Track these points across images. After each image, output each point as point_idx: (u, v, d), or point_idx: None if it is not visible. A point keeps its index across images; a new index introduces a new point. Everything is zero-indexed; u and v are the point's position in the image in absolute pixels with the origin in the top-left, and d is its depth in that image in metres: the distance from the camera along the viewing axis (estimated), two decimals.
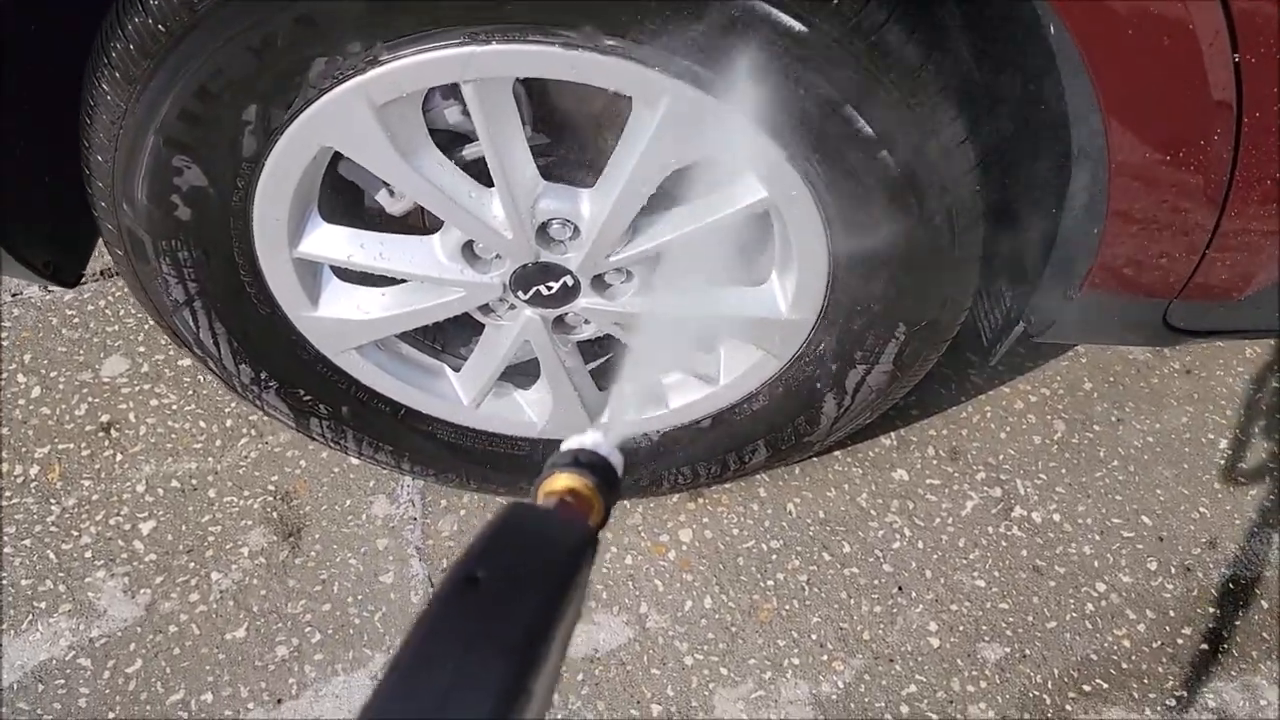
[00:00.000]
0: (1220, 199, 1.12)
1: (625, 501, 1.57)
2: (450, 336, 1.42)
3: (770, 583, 1.50)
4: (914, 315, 1.21)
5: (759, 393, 1.35)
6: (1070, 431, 1.66)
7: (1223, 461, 1.63)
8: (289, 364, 1.28)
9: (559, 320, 1.27)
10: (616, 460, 0.55)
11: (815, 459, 1.61)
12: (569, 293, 1.20)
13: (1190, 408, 1.69)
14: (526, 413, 1.42)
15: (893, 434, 1.65)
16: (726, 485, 1.58)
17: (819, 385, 1.31)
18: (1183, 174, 1.05)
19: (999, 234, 1.16)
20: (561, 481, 0.54)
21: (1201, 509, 1.58)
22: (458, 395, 1.38)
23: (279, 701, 1.37)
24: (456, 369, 1.38)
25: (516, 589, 0.41)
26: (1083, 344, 1.75)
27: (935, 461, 1.62)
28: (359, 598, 1.46)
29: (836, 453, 1.63)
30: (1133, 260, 1.17)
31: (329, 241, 1.15)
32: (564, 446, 0.56)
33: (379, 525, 1.53)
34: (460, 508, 1.55)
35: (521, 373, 1.42)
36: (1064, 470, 1.62)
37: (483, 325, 1.30)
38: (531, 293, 1.20)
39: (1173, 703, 1.39)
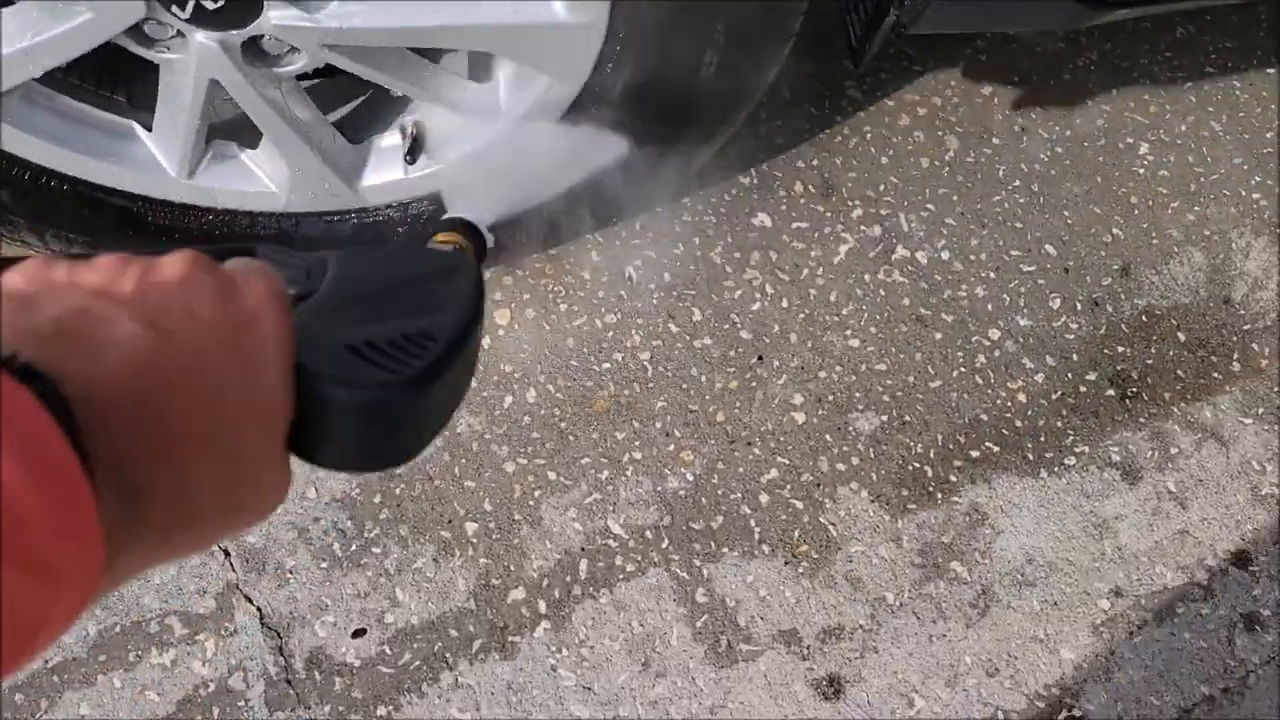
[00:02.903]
0: None
1: None
2: (136, 85, 1.05)
3: (606, 366, 1.24)
4: (734, 10, 0.87)
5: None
6: (965, 149, 1.37)
7: (1142, 170, 1.37)
8: None
9: (254, 48, 0.91)
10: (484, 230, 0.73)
11: (660, 210, 1.31)
12: (247, 4, 0.84)
13: (1107, 107, 1.41)
14: (262, 180, 1.08)
15: (752, 171, 1.35)
16: (550, 253, 1.29)
17: (625, 116, 0.99)
18: None
19: None
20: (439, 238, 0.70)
21: (1115, 230, 1.33)
22: (160, 163, 1.04)
23: None
24: (150, 128, 1.03)
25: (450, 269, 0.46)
26: (975, 32, 1.42)
27: (803, 200, 1.34)
28: None
29: (685, 199, 1.33)
30: None
31: None
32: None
33: None
34: None
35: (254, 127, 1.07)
36: (955, 197, 1.34)
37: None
38: (190, 7, 0.83)
39: (1072, 461, 1.20)
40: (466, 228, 0.72)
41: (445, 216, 0.74)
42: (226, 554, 1.13)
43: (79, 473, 0.27)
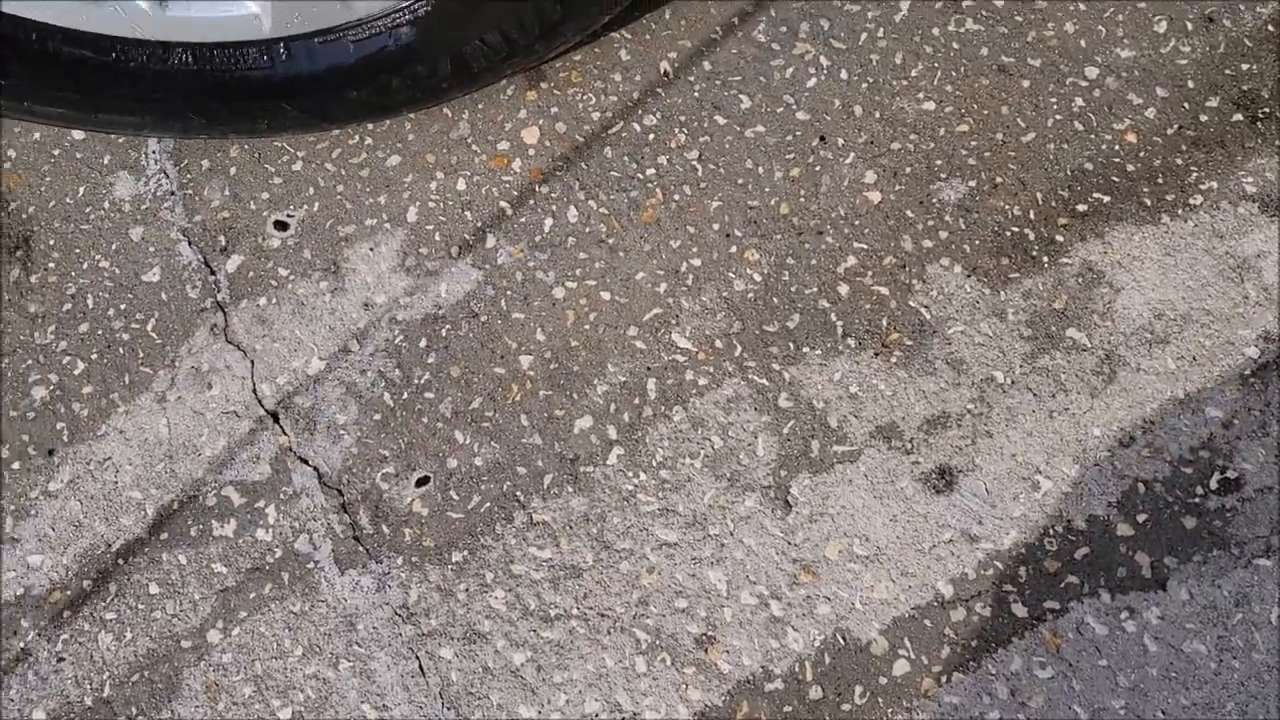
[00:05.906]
0: None
1: (445, 109, 1.16)
2: None
3: (651, 171, 1.12)
4: None
5: None
6: None
7: None
8: None
9: None
10: None
11: None
12: None
13: None
14: (244, 3, 0.98)
15: None
16: (574, 57, 1.16)
17: None
18: None
19: None
20: None
21: None
22: None
23: (50, 452, 1.08)
24: None
25: None
26: None
27: None
28: (122, 307, 1.12)
29: None
30: None
31: None
32: None
33: (128, 211, 1.15)
34: (229, 165, 1.16)
35: None
36: None
37: None
38: None
39: (1198, 200, 1.04)
40: None
41: None
42: (275, 418, 1.07)
43: None
